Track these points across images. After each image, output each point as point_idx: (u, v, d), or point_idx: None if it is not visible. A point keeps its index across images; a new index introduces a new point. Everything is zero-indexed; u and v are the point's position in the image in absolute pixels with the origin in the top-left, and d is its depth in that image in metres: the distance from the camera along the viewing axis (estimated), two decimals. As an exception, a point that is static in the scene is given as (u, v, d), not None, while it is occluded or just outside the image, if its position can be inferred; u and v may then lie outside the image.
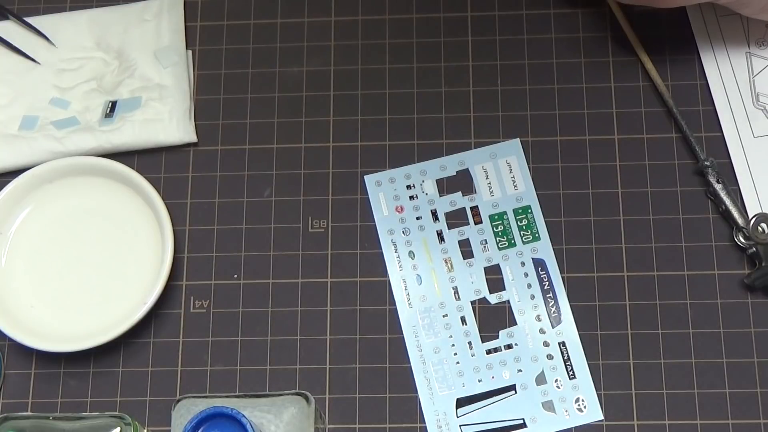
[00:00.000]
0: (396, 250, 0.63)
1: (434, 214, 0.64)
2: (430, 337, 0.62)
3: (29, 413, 0.58)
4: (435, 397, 0.60)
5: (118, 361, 0.62)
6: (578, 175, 0.64)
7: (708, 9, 0.67)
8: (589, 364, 0.61)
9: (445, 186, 0.65)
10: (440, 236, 0.64)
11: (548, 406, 0.60)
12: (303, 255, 0.64)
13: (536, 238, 0.63)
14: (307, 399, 0.54)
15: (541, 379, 0.61)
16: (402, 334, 0.62)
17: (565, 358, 0.61)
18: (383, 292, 0.63)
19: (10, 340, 0.60)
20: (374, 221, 0.64)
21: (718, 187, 0.62)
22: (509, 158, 0.65)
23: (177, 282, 0.63)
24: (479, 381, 0.61)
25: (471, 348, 0.61)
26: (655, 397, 0.60)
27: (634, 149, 0.64)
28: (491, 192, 0.64)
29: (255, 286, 0.63)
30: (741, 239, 0.62)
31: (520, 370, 0.61)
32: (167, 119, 0.65)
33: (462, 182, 0.65)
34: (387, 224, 0.64)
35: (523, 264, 0.63)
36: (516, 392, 0.60)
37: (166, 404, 0.61)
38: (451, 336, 0.61)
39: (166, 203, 0.62)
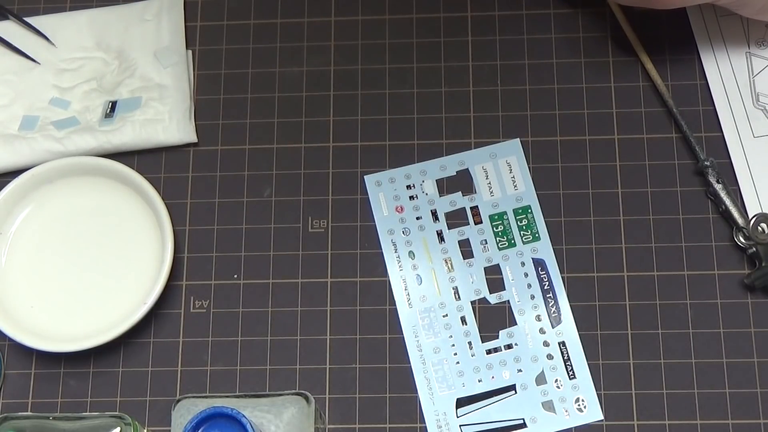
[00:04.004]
0: (396, 250, 0.63)
1: (434, 214, 0.64)
2: (430, 337, 0.62)
3: (29, 413, 0.58)
4: (435, 397, 0.60)
5: (118, 361, 0.62)
6: (578, 175, 0.64)
7: (708, 9, 0.67)
8: (589, 364, 0.61)
9: (445, 186, 0.64)
10: (440, 236, 0.63)
11: (548, 406, 0.60)
12: (303, 255, 0.64)
13: (536, 238, 0.63)
14: (307, 399, 0.54)
15: (541, 379, 0.61)
16: (402, 334, 0.62)
17: (565, 358, 0.61)
18: (383, 292, 0.63)
19: (10, 340, 0.60)
20: (374, 221, 0.64)
21: (718, 187, 0.62)
22: (509, 158, 0.65)
23: (177, 282, 0.63)
24: (479, 381, 0.61)
25: (471, 348, 0.61)
26: (655, 397, 0.60)
27: (634, 149, 0.64)
28: (491, 192, 0.64)
29: (255, 286, 0.63)
30: (741, 239, 0.62)
31: (520, 370, 0.61)
32: (167, 119, 0.65)
33: (462, 182, 0.64)
34: (387, 224, 0.64)
35: (523, 264, 0.63)
36: (516, 392, 0.60)
37: (166, 404, 0.61)
38: (451, 336, 0.61)
39: (166, 203, 0.62)
